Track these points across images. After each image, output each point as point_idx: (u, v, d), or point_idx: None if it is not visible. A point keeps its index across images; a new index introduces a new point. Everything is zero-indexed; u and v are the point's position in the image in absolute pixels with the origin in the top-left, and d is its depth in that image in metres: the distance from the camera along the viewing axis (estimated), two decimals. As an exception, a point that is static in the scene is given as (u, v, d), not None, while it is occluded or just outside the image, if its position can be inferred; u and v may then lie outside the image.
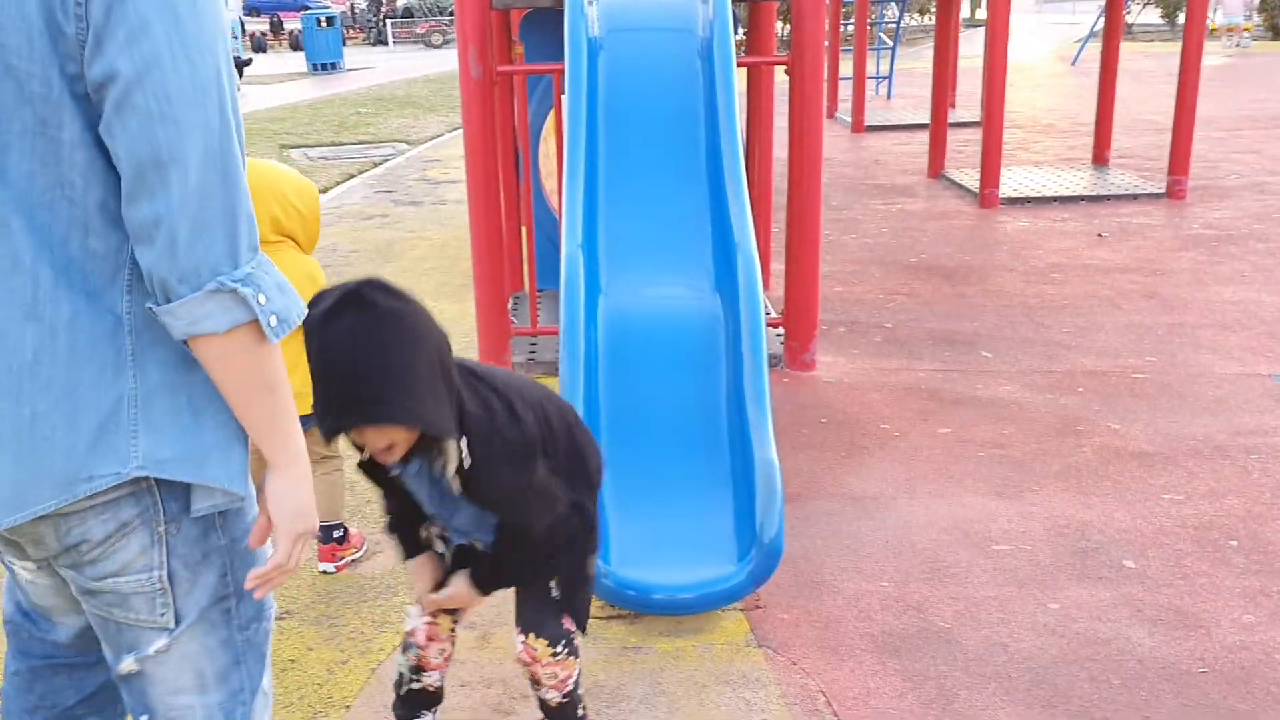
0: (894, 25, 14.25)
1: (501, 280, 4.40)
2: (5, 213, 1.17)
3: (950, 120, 9.02)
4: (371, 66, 23.54)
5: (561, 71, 4.16)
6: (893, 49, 13.97)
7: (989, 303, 5.31)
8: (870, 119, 11.28)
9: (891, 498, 3.35)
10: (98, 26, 1.12)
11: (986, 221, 7.03)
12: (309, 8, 32.37)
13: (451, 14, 32.69)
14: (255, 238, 1.23)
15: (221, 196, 1.17)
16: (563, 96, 3.89)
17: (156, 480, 1.28)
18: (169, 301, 1.18)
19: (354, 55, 25.79)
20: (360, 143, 11.60)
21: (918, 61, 18.79)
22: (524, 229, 5.08)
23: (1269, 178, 8.10)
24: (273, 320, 1.23)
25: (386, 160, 10.47)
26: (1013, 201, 7.47)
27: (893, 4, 14.55)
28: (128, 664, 1.41)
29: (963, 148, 9.52)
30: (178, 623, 1.37)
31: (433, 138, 12.02)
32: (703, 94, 3.66)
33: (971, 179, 7.98)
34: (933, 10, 25.30)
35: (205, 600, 1.38)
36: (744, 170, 3.34)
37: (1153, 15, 22.55)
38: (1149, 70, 15.34)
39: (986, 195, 7.41)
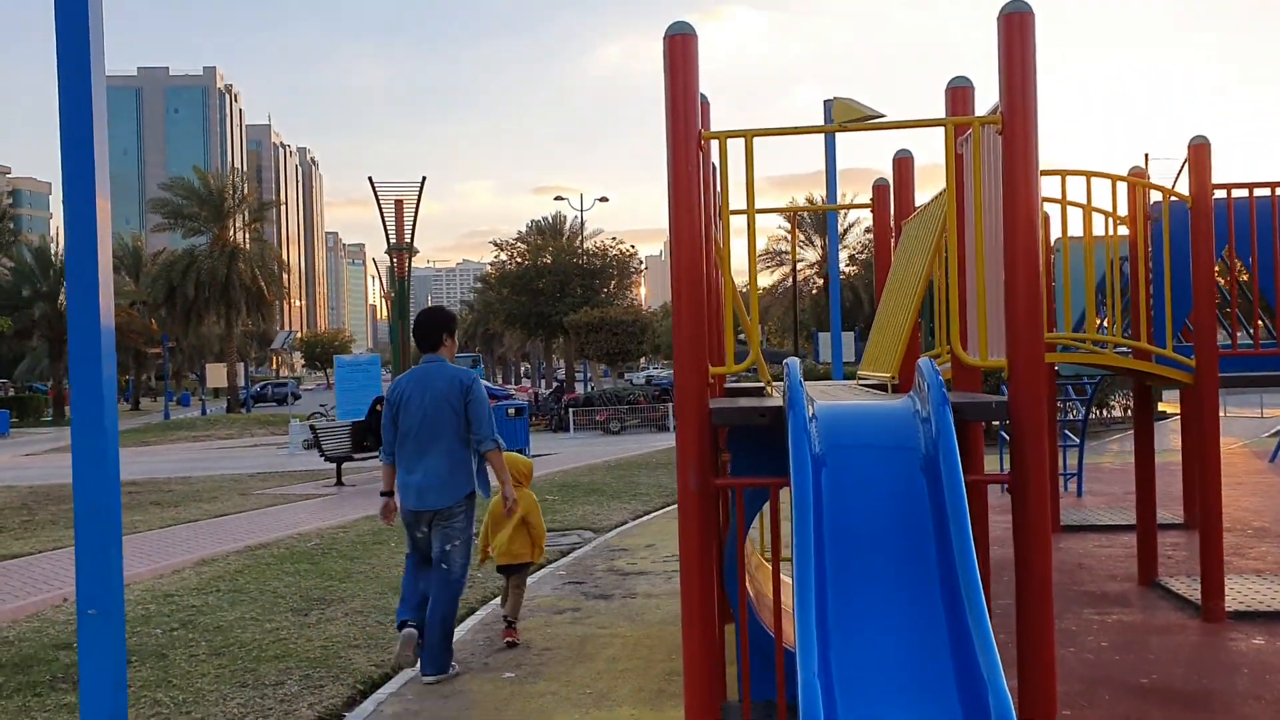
0: (1079, 421, 14.16)
1: (715, 700, 4.23)
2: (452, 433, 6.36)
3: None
4: (555, 452, 24.67)
5: (775, 484, 4.21)
6: (1080, 445, 13.80)
7: (1241, 736, 4.80)
8: (1064, 518, 10.95)
9: None
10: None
11: (1215, 638, 6.51)
12: (497, 398, 34.53)
13: (627, 402, 34.39)
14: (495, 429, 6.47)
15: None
16: (780, 505, 3.90)
17: (471, 492, 6.40)
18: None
19: (538, 441, 27.12)
20: (549, 530, 11.87)
21: (1102, 456, 18.47)
22: (736, 632, 4.96)
23: None
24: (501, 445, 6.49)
25: (574, 549, 10.63)
26: (1240, 615, 6.93)
27: (1076, 400, 14.54)
28: (448, 546, 6.21)
29: (1171, 552, 9.06)
30: (461, 536, 6.27)
31: (618, 525, 12.23)
32: (931, 512, 3.61)
33: (1188, 588, 7.51)
34: (1111, 404, 25.20)
35: (469, 533, 6.37)
36: (984, 597, 3.21)
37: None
38: (1359, 467, 14.60)
39: (1210, 608, 6.91)
